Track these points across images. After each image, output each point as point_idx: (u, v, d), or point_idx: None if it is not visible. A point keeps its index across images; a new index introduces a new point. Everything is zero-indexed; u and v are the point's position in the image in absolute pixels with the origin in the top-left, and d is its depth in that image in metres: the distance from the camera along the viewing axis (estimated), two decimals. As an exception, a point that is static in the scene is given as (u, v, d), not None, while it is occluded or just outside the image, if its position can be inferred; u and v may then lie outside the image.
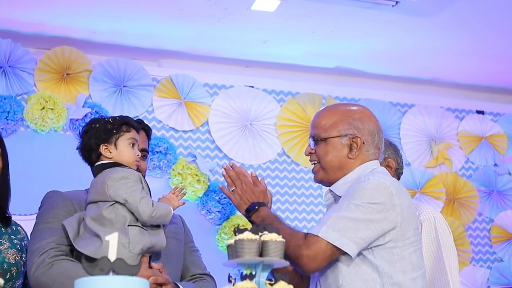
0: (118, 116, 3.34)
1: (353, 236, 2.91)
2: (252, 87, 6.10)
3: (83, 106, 5.49)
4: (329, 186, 3.21)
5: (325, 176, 3.19)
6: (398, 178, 3.83)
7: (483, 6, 5.25)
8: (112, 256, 2.25)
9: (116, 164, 3.21)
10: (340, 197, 3.11)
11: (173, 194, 3.34)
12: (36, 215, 3.37)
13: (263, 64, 6.08)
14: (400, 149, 6.16)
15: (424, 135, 6.46)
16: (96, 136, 3.24)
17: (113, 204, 3.12)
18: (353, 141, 3.14)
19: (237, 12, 5.25)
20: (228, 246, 2.47)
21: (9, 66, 5.47)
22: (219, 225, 5.73)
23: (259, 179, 3.41)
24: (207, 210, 5.69)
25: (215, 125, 5.93)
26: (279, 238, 2.43)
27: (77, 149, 3.31)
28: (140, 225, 3.12)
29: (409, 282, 2.97)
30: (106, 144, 3.23)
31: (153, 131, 5.64)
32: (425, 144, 6.44)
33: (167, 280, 3.13)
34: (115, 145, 3.24)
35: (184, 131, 5.86)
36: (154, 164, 5.61)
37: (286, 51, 5.89)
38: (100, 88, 5.67)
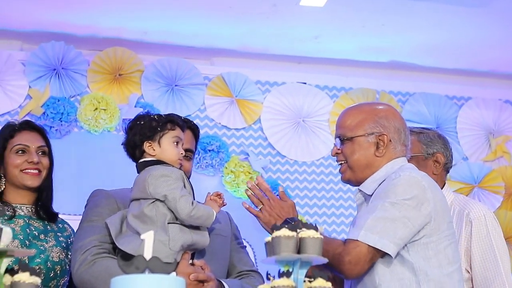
0: (164, 114, 3.33)
1: (393, 236, 2.88)
2: (305, 83, 6.07)
3: (135, 106, 5.54)
4: (357, 186, 3.18)
5: (353, 175, 3.16)
6: (447, 173, 3.76)
7: (542, -5, 5.13)
8: (147, 255, 2.25)
9: (158, 162, 3.21)
10: (370, 196, 3.08)
11: (215, 198, 3.28)
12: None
13: (315, 60, 6.03)
14: (457, 143, 6.13)
15: (482, 129, 6.32)
16: (140, 132, 3.24)
17: (153, 201, 3.12)
18: (379, 139, 3.12)
19: (286, 8, 5.22)
20: (266, 243, 2.44)
21: (62, 68, 5.55)
22: (273, 222, 5.69)
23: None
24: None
25: (268, 122, 5.91)
26: (317, 234, 2.40)
27: (122, 144, 3.32)
28: (181, 223, 3.12)
29: (445, 277, 2.93)
30: (149, 141, 3.23)
31: (206, 129, 5.74)
32: (483, 138, 6.31)
33: (208, 277, 3.12)
34: (159, 142, 3.23)
35: (237, 129, 5.86)
36: (206, 162, 5.63)
37: (337, 46, 5.84)
38: (152, 88, 5.71)
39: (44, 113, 5.44)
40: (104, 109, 5.48)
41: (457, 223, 3.58)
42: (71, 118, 5.48)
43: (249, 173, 5.68)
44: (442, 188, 3.66)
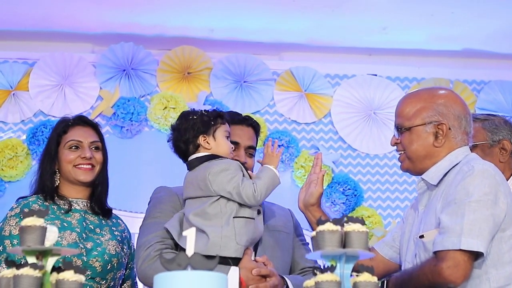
0: (210, 110, 3.33)
1: (487, 236, 2.80)
2: (375, 75, 5.99)
3: (204, 104, 5.58)
4: (416, 175, 3.11)
5: (412, 165, 3.08)
6: None
7: None
8: (189, 251, 2.24)
9: (211, 157, 3.21)
10: (435, 185, 3.00)
11: (270, 153, 3.24)
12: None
13: (385, 51, 5.95)
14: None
15: None
16: (194, 128, 3.23)
17: (218, 199, 3.13)
18: (438, 128, 3.02)
19: (350, 0, 5.16)
20: (312, 238, 2.41)
21: (132, 69, 5.64)
22: (344, 217, 5.64)
23: None
24: (332, 202, 5.64)
25: (338, 116, 5.86)
26: (362, 228, 2.34)
27: (168, 141, 3.32)
28: (246, 216, 3.12)
29: None
30: (204, 135, 3.22)
31: (275, 125, 5.74)
32: None
33: (271, 272, 3.12)
34: (214, 136, 3.23)
35: (306, 124, 5.84)
36: (276, 158, 5.61)
37: (406, 36, 5.75)
38: (221, 85, 5.73)
39: (114, 113, 5.53)
40: (174, 108, 5.53)
41: None
42: (141, 117, 5.56)
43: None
44: (510, 176, 3.56)
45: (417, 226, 3.05)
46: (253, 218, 3.15)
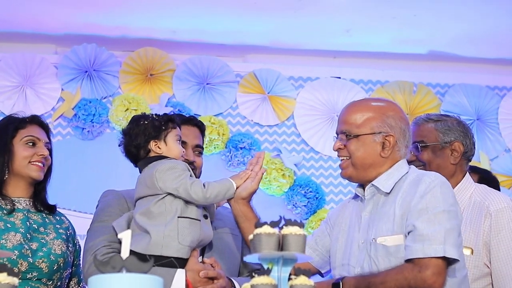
0: (161, 114, 3.35)
1: (459, 244, 2.92)
2: (339, 77, 5.99)
3: (166, 106, 5.56)
4: (355, 182, 3.16)
5: (355, 173, 3.10)
6: (468, 162, 3.62)
7: None
8: (124, 254, 2.23)
9: (160, 157, 3.22)
10: (386, 193, 3.03)
11: (242, 175, 3.26)
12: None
13: (349, 53, 5.96)
14: (499, 134, 5.97)
15: (525, 119, 6.15)
16: (145, 133, 3.24)
17: (163, 197, 3.13)
18: (386, 139, 3.06)
19: (312, 1, 5.16)
20: (250, 241, 2.40)
21: (94, 70, 5.62)
22: (306, 219, 5.67)
23: None
24: (293, 205, 5.65)
25: (301, 118, 5.86)
26: (299, 231, 2.34)
27: (119, 146, 3.32)
28: (192, 217, 3.12)
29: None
30: (156, 140, 3.24)
31: (238, 127, 5.73)
32: (526, 129, 6.13)
33: (218, 274, 3.12)
34: (165, 141, 3.24)
35: (269, 126, 5.84)
36: (238, 160, 5.61)
37: (370, 39, 5.75)
38: (184, 87, 5.72)
39: (75, 114, 5.50)
40: (135, 110, 5.51)
41: (476, 215, 3.46)
42: (102, 119, 5.54)
43: (282, 170, 5.65)
44: (462, 178, 3.56)
45: (364, 231, 3.06)
46: (199, 220, 3.14)
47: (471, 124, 5.87)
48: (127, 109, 5.52)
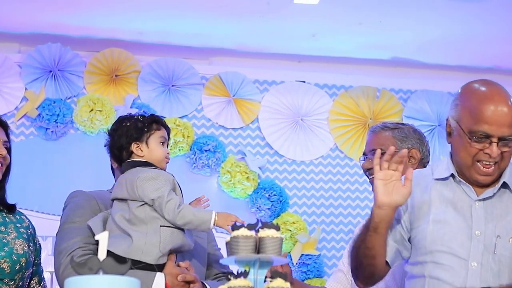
0: (147, 115, 3.34)
1: None
2: (304, 82, 6.02)
3: (131, 107, 5.54)
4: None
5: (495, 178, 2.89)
6: (424, 168, 3.67)
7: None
8: (101, 256, 2.22)
9: (146, 164, 3.21)
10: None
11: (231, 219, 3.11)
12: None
13: (314, 58, 5.98)
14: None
15: (487, 126, 6.22)
16: (127, 134, 3.24)
17: (142, 204, 3.12)
18: None
19: (280, 6, 5.18)
20: (226, 244, 2.41)
21: (59, 70, 5.57)
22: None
23: None
24: (257, 208, 5.65)
25: (265, 122, 5.87)
26: (276, 234, 2.37)
27: (105, 146, 3.31)
28: (173, 226, 3.11)
29: None
30: (137, 142, 3.23)
31: (203, 129, 5.74)
32: (487, 135, 6.21)
33: (195, 278, 3.14)
34: (147, 143, 3.24)
35: (234, 129, 5.84)
36: (203, 162, 5.61)
37: (335, 44, 5.79)
38: (149, 88, 5.70)
39: (39, 114, 5.45)
40: (100, 110, 5.48)
41: None
42: (67, 119, 5.50)
43: (246, 173, 5.66)
44: None
45: (479, 222, 2.85)
46: (182, 230, 3.13)
47: (432, 130, 5.95)
48: (92, 110, 5.49)
